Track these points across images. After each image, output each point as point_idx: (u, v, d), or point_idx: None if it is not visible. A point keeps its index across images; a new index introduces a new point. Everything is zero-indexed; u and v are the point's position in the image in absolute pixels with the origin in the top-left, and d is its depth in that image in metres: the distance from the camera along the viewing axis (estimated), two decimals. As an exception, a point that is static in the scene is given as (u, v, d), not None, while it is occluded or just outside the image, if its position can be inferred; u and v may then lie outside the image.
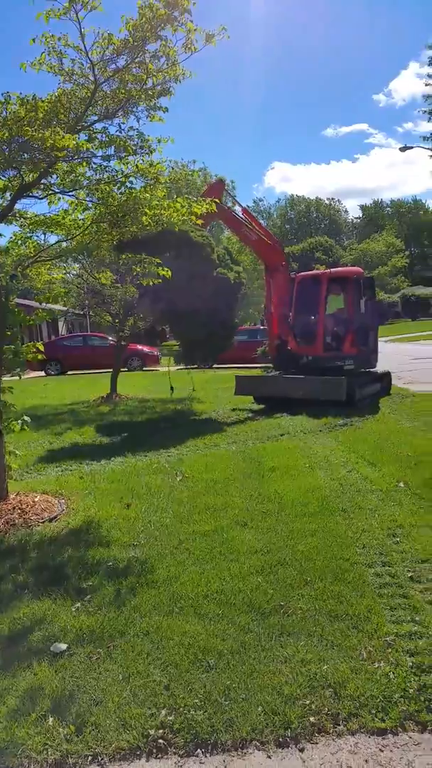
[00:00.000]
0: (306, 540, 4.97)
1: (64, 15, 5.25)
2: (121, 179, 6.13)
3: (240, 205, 15.52)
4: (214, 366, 23.97)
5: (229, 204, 14.32)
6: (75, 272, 15.45)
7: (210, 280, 12.58)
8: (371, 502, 5.87)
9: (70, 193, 6.21)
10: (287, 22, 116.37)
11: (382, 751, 2.71)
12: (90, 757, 2.72)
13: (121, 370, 17.55)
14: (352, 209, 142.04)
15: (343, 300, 13.11)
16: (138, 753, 2.74)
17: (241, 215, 14.71)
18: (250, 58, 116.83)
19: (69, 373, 25.30)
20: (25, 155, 5.63)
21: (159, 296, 12.40)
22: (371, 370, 13.43)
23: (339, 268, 16.61)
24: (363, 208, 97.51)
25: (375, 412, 11.15)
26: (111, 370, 16.39)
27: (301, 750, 2.74)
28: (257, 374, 15.18)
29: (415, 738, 2.77)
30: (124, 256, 8.04)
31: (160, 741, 2.79)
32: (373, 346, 13.43)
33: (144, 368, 25.16)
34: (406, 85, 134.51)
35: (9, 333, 6.02)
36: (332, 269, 14.55)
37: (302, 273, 14.37)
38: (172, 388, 14.91)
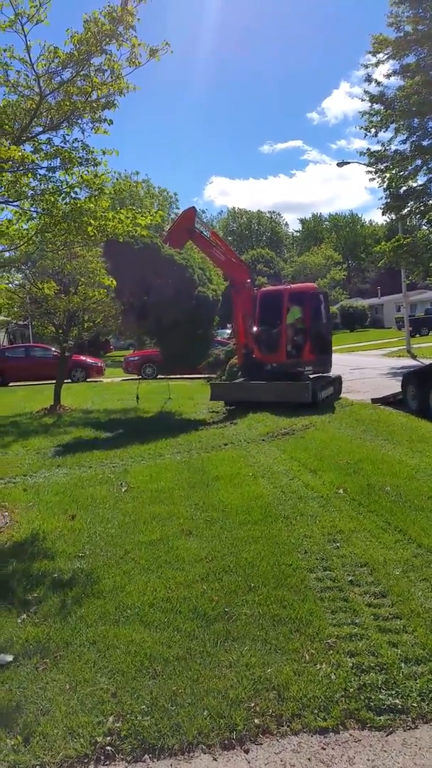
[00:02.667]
0: (250, 547, 5.08)
1: (10, 27, 5.26)
2: (65, 190, 6.15)
3: (208, 229, 16.49)
4: (159, 377, 23.98)
5: (199, 227, 15.19)
6: (18, 282, 15.20)
7: (192, 298, 13.68)
8: (312, 508, 6.03)
9: (15, 203, 6.18)
10: (225, 42, 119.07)
11: (324, 749, 2.81)
12: (38, 767, 2.73)
13: (65, 381, 17.33)
14: (291, 223, 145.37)
15: (302, 313, 14.11)
16: (86, 761, 2.77)
17: (210, 237, 15.67)
18: (189, 76, 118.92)
19: (11, 384, 24.74)
20: (-32, 165, 5.59)
21: (144, 312, 13.54)
22: (326, 374, 14.66)
23: (297, 284, 18.20)
24: (303, 221, 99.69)
25: (332, 411, 12.09)
26: (54, 381, 16.16)
27: (246, 751, 2.81)
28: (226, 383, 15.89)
29: (356, 735, 2.89)
30: (69, 267, 8.05)
31: (108, 748, 2.82)
32: (328, 353, 14.76)
33: (88, 379, 24.87)
34: (338, 103, 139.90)
35: None
36: (291, 285, 16.12)
37: (264, 289, 15.80)
38: (137, 398, 15.54)
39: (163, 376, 23.65)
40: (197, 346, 14.85)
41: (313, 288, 15.59)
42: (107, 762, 2.76)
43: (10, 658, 3.52)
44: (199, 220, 15.68)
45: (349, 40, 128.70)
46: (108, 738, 2.87)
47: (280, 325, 13.95)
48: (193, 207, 15.42)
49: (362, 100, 23.38)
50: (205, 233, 15.67)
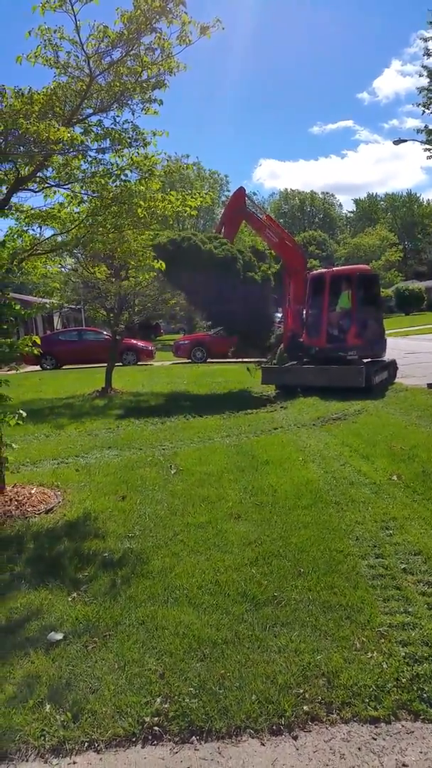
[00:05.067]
0: (300, 532, 5.01)
1: (60, 8, 5.24)
2: (116, 172, 6.13)
3: (262, 212, 16.66)
4: (208, 360, 24.08)
5: (251, 208, 15.47)
6: (70, 266, 15.44)
7: (237, 286, 14.18)
8: (364, 495, 5.91)
9: (66, 186, 6.21)
10: (271, 22, 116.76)
11: (375, 739, 2.75)
12: (87, 743, 2.76)
13: (116, 364, 17.55)
14: (345, 204, 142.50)
15: (349, 296, 13.90)
16: (134, 740, 2.78)
17: (264, 220, 15.84)
18: (235, 59, 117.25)
19: (64, 367, 25.25)
20: (21, 148, 5.63)
21: (202, 307, 15.59)
22: (379, 359, 14.34)
23: (342, 267, 17.76)
24: (357, 202, 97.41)
25: (385, 396, 11.93)
26: (106, 364, 16.38)
27: (295, 738, 2.77)
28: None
29: (408, 726, 2.81)
30: (120, 250, 8.12)
31: (156, 728, 2.83)
32: (378, 337, 14.34)
33: (138, 363, 25.13)
34: (390, 82, 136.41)
35: (5, 326, 6.03)
36: (336, 268, 15.69)
37: (314, 272, 15.51)
38: (248, 369, 16.17)
39: (213, 360, 23.73)
40: (256, 327, 15.35)
41: (359, 270, 15.19)
42: (155, 742, 2.77)
43: (60, 635, 3.57)
44: (250, 201, 15.63)
45: (399, 17, 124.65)
46: (156, 718, 2.87)
47: (322, 308, 13.86)
48: (242, 187, 15.35)
49: (420, 76, 22.71)
50: (259, 215, 15.62)
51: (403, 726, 2.81)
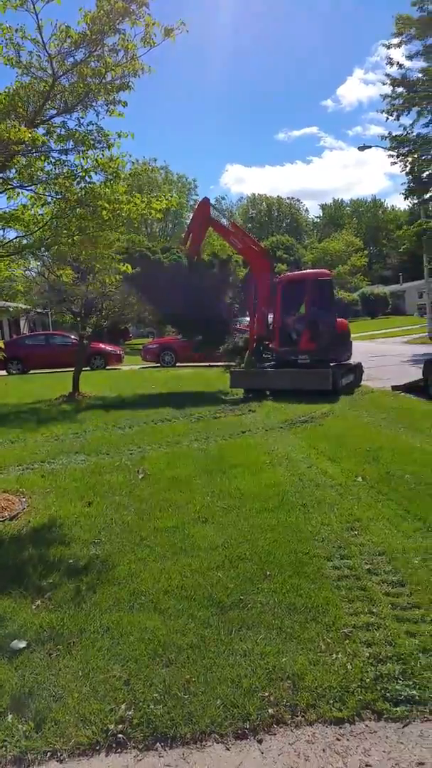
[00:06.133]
0: (266, 535, 5.02)
1: (21, 6, 5.16)
2: (80, 174, 6.06)
3: (228, 220, 17.18)
4: (177, 364, 24.04)
5: (216, 217, 15.96)
6: (36, 269, 15.24)
7: (187, 289, 14.88)
8: (330, 496, 5.95)
9: (29, 188, 6.12)
10: (236, 31, 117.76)
11: (339, 740, 2.75)
12: (49, 753, 2.71)
13: (84, 369, 17.36)
14: (311, 209, 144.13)
15: (305, 300, 14.18)
16: (97, 748, 2.74)
17: (230, 228, 16.42)
18: (202, 66, 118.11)
19: (31, 372, 24.88)
20: (-18, 149, 5.53)
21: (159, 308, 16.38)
22: (345, 362, 14.69)
23: (299, 272, 18.14)
24: (323, 207, 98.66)
25: (351, 398, 12.31)
26: (74, 369, 16.21)
27: (260, 741, 2.76)
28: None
29: (372, 726, 2.83)
30: (84, 253, 8.03)
31: (120, 736, 2.79)
32: (338, 340, 14.58)
33: (107, 367, 24.93)
34: (353, 90, 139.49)
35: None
36: (289, 273, 16.07)
37: (279, 277, 16.14)
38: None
39: (181, 364, 23.70)
40: (213, 329, 15.80)
41: (313, 275, 15.65)
42: (119, 750, 2.73)
43: (23, 644, 3.50)
44: (215, 210, 16.10)
45: (362, 25, 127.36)
46: (120, 726, 2.83)
47: (276, 313, 14.30)
48: (206, 198, 15.79)
49: (383, 84, 23.10)
50: (223, 221, 15.99)
51: (366, 726, 2.83)
